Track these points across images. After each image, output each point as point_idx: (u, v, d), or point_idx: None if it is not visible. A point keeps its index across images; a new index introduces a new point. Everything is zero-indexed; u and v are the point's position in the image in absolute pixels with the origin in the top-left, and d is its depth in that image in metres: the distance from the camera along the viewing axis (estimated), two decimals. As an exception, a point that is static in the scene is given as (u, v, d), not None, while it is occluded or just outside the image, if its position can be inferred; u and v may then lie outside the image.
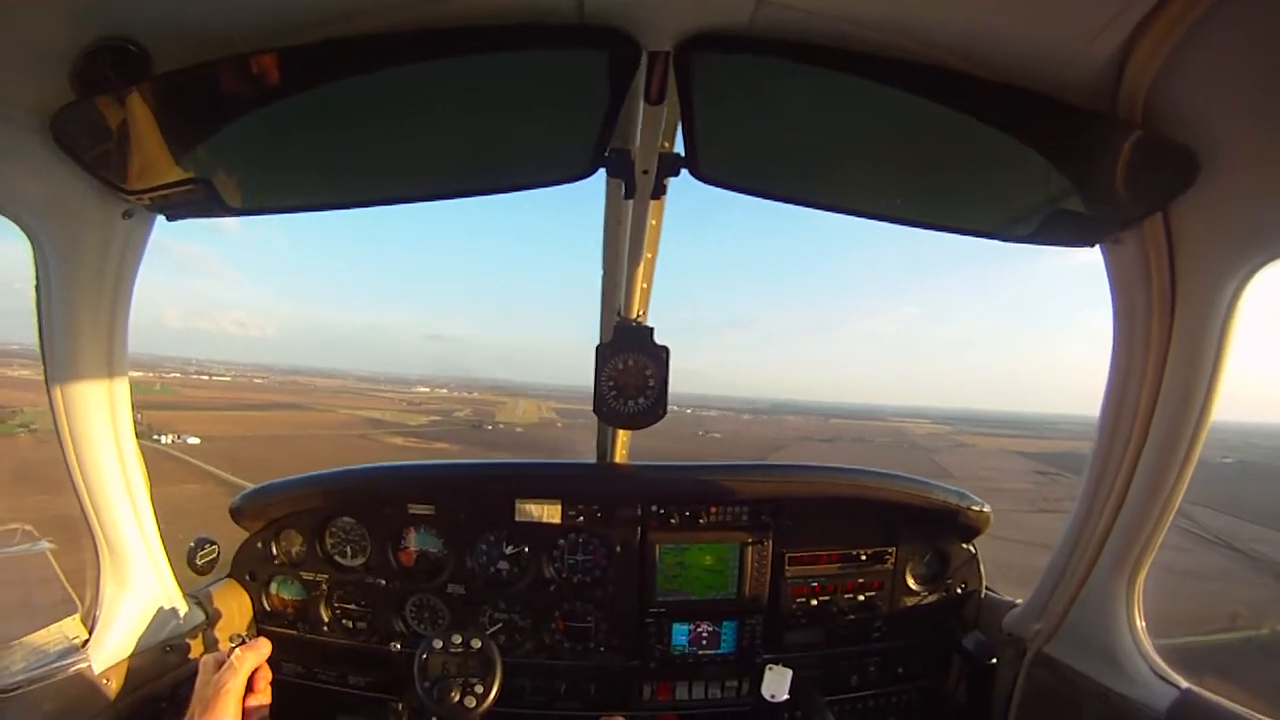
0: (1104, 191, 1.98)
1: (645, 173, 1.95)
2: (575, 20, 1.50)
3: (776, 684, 2.74)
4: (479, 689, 2.33)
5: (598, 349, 2.39)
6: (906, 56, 1.58)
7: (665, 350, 2.38)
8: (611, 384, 2.38)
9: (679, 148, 1.93)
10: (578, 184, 2.02)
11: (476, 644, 2.40)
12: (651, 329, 2.42)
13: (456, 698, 2.31)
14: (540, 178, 2.08)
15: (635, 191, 2.02)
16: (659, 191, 2.04)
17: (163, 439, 60.06)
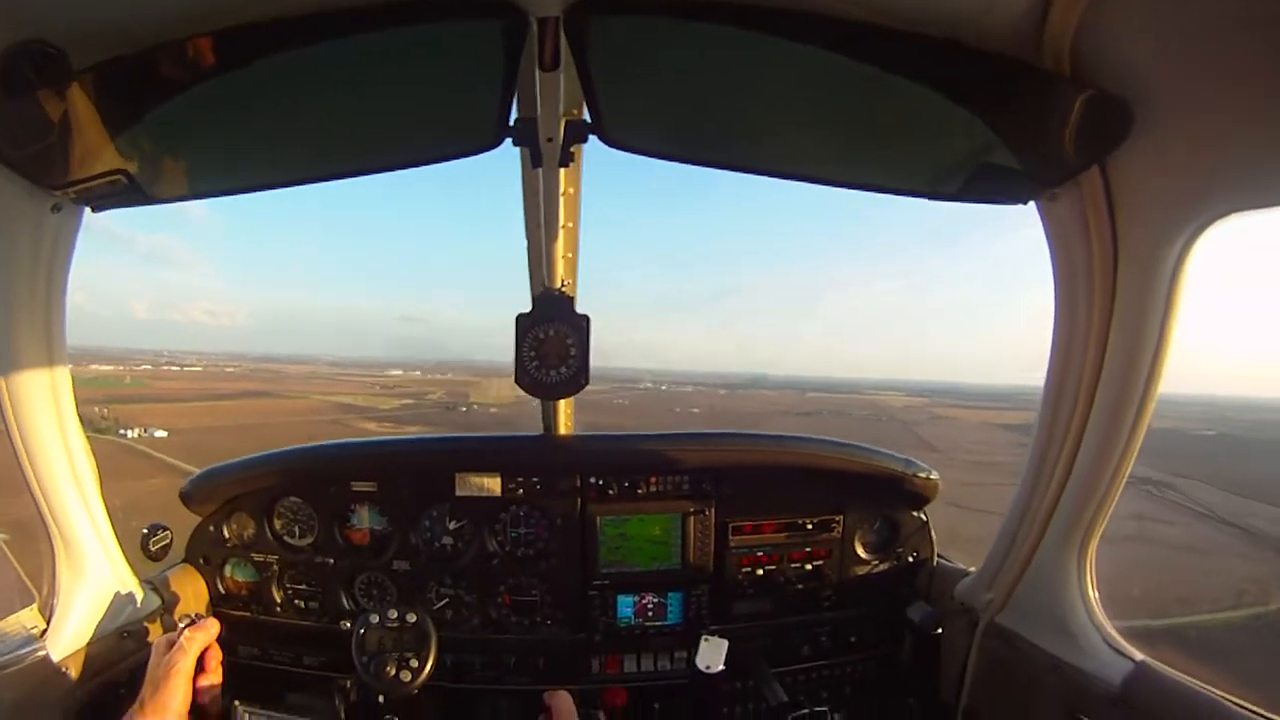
0: (1035, 145, 1.91)
1: (550, 141, 1.92)
2: None
3: (711, 655, 2.69)
4: (414, 663, 2.37)
5: (518, 318, 2.40)
6: (814, 8, 1.53)
7: (586, 319, 2.39)
8: (533, 353, 2.40)
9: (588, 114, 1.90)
10: (512, 153, 2.03)
11: (411, 619, 2.43)
12: (573, 298, 2.42)
13: (392, 672, 2.35)
14: (447, 151, 2.09)
15: (542, 160, 1.99)
16: (566, 159, 2.01)
17: (129, 434, 58.70)
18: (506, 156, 2.10)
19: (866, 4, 1.56)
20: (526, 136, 1.94)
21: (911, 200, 2.20)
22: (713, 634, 2.80)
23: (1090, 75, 1.65)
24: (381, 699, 2.44)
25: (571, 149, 2.00)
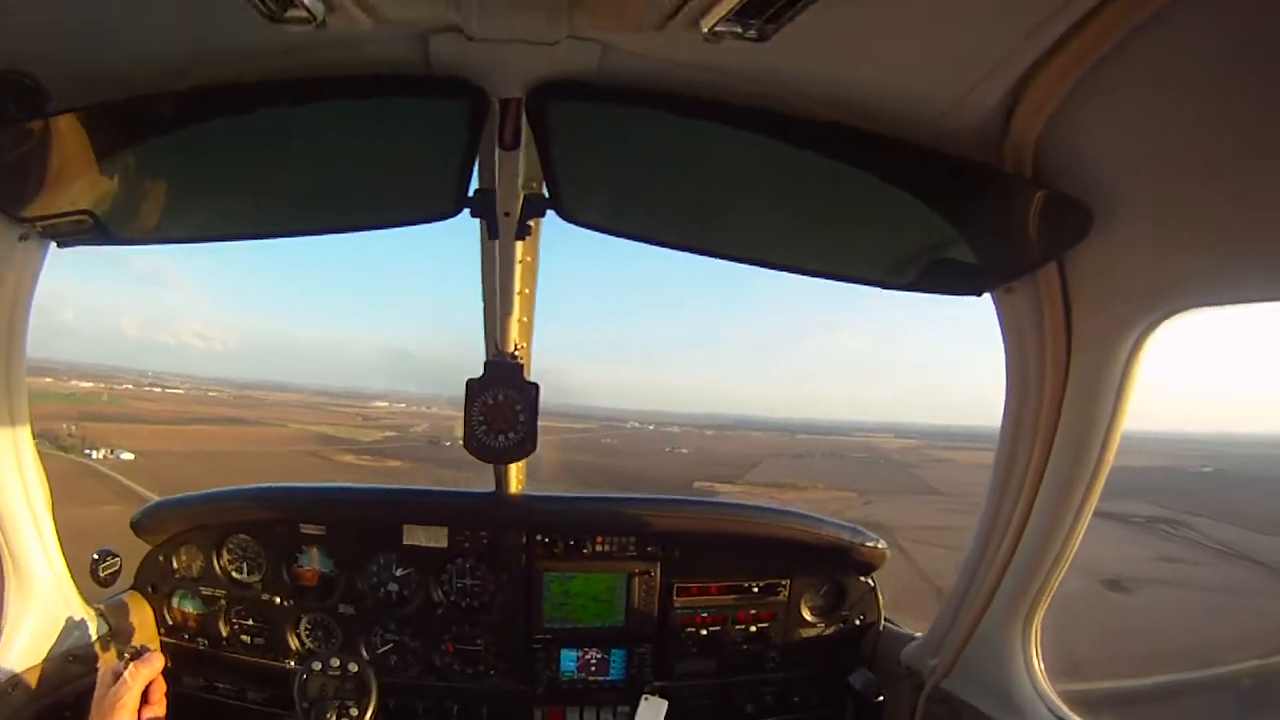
0: (994, 242, 2.01)
1: (507, 215, 2.00)
2: (422, 71, 1.56)
3: (650, 715, 2.79)
4: (354, 712, 2.42)
5: (468, 384, 2.46)
6: (773, 106, 1.61)
7: (535, 387, 2.45)
8: (482, 419, 2.45)
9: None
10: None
11: (354, 668, 2.47)
12: (521, 365, 2.50)
13: (333, 719, 2.38)
14: (408, 217, 2.16)
15: (499, 233, 2.06)
16: (523, 232, 2.08)
17: (95, 454, 56.25)
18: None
19: (830, 102, 1.62)
20: (484, 209, 2.00)
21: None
22: (655, 692, 2.89)
23: (1051, 177, 1.72)
24: None
25: (529, 222, 2.05)
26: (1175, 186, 1.62)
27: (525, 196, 1.96)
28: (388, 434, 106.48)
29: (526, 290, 2.47)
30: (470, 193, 1.95)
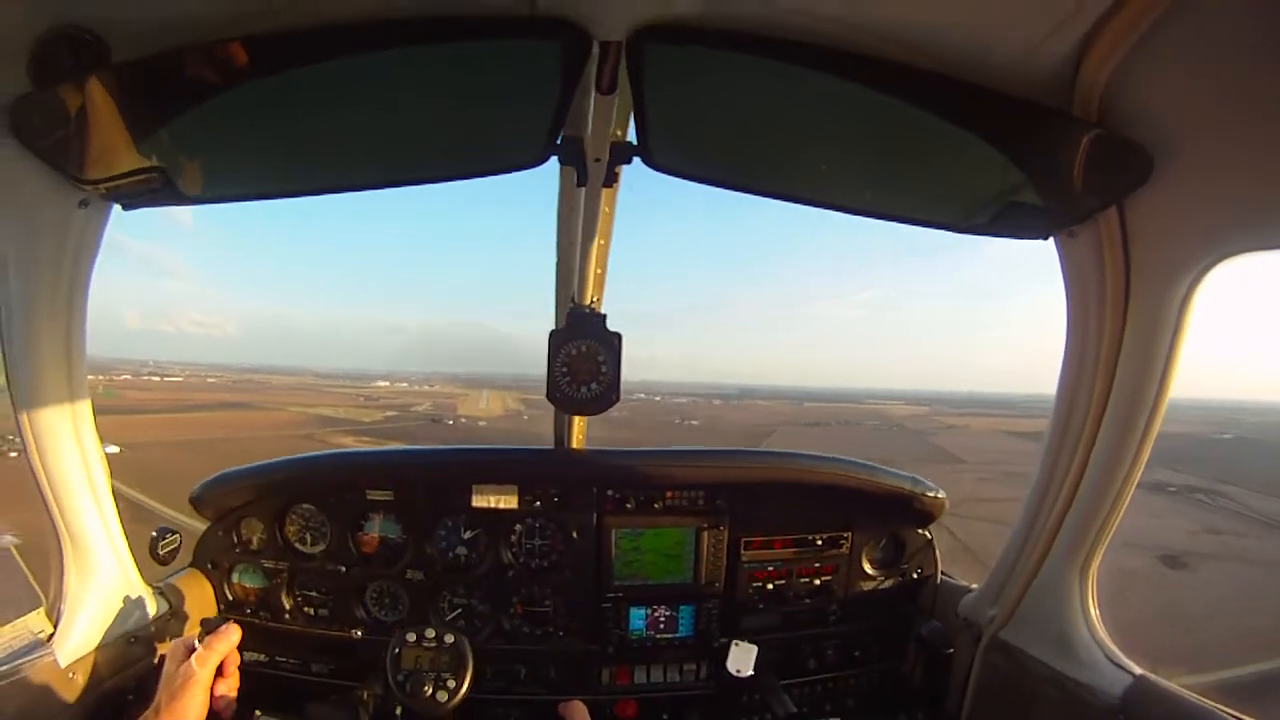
0: (1058, 185, 2.01)
1: (597, 161, 1.98)
2: (526, 11, 1.52)
3: (742, 659, 2.72)
4: (451, 684, 2.36)
5: (551, 334, 2.44)
6: (861, 50, 1.62)
7: (618, 336, 2.42)
8: (565, 370, 2.42)
9: (632, 136, 1.95)
10: (533, 171, 2.05)
11: (450, 639, 2.43)
12: (604, 315, 2.46)
13: (429, 692, 2.34)
14: (493, 165, 2.11)
15: (588, 180, 2.05)
16: (611, 180, 2.08)
17: (76, 449, 53.44)
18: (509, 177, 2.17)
19: (916, 47, 1.64)
20: (574, 155, 1.97)
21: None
22: (724, 646, 2.80)
23: (1115, 122, 1.73)
24: (399, 711, 2.46)
25: (615, 169, 2.03)
26: (1233, 133, 1.64)
27: (611, 144, 1.93)
28: (389, 414, 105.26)
29: (603, 241, 2.46)
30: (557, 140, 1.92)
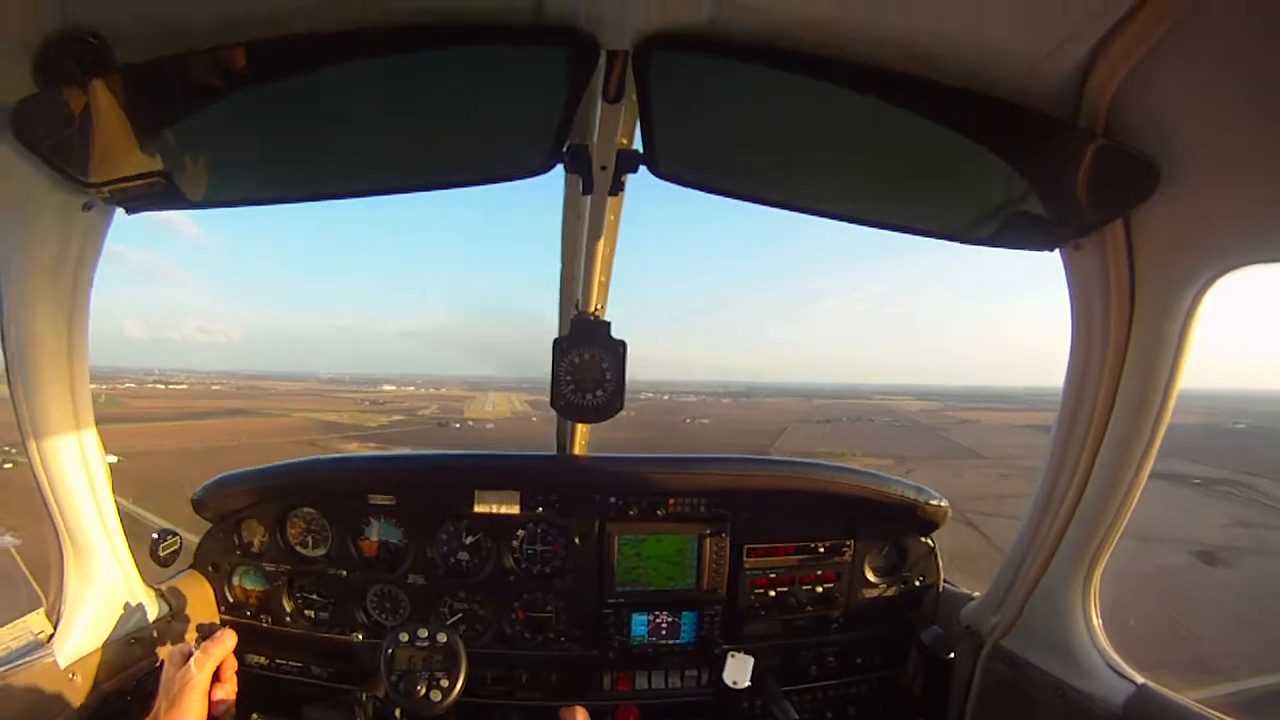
0: (1065, 197, 2.01)
1: (603, 169, 1.97)
2: (533, 19, 1.52)
3: (739, 670, 2.70)
4: (444, 683, 2.34)
5: (555, 342, 2.41)
6: (869, 62, 1.61)
7: (622, 344, 2.39)
8: (569, 378, 2.39)
9: (638, 144, 1.93)
10: (540, 178, 2.04)
11: (442, 638, 2.41)
12: (608, 323, 2.44)
13: (422, 691, 2.31)
14: (499, 172, 2.08)
15: (593, 188, 2.04)
16: (617, 188, 2.06)
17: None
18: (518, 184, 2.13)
19: (924, 58, 1.62)
20: (580, 163, 1.96)
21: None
22: (725, 653, 2.79)
23: (1122, 134, 1.73)
24: (398, 713, 2.44)
25: (621, 178, 2.02)
26: (1240, 145, 1.64)
27: (618, 152, 1.92)
28: (395, 418, 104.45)
29: (607, 249, 2.43)
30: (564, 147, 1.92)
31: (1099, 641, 2.44)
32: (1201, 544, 32.91)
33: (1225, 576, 30.34)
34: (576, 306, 2.53)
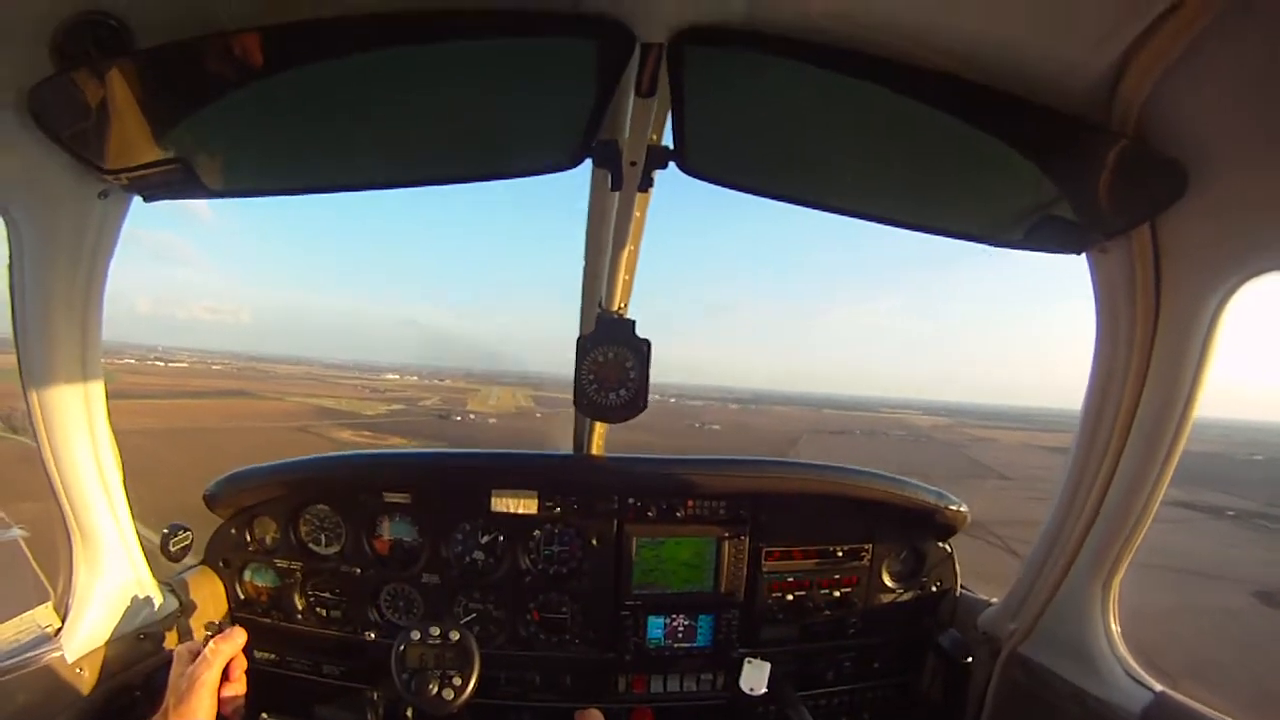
0: (1093, 200, 2.00)
1: (633, 164, 1.94)
2: (569, 9, 1.49)
3: (755, 677, 2.71)
4: (457, 681, 2.29)
5: (579, 341, 2.37)
6: (903, 58, 1.60)
7: (647, 344, 2.34)
8: (592, 376, 2.34)
9: (667, 139, 1.89)
10: (561, 173, 2.01)
11: (455, 636, 2.37)
12: (633, 321, 2.40)
13: (434, 690, 2.27)
14: (526, 166, 2.05)
15: (623, 183, 2.00)
16: (646, 184, 2.02)
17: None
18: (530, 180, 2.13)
19: (958, 57, 1.60)
20: (609, 159, 1.93)
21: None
22: (742, 657, 2.80)
23: (1152, 138, 1.72)
24: (410, 713, 2.41)
25: (651, 174, 1.99)
26: (1270, 150, 1.63)
27: (648, 148, 1.89)
28: (394, 407, 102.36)
29: (633, 247, 2.38)
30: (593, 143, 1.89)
31: (1118, 649, 2.44)
32: (1258, 583, 31.28)
33: (1296, 622, 28.01)
34: (600, 305, 2.49)
